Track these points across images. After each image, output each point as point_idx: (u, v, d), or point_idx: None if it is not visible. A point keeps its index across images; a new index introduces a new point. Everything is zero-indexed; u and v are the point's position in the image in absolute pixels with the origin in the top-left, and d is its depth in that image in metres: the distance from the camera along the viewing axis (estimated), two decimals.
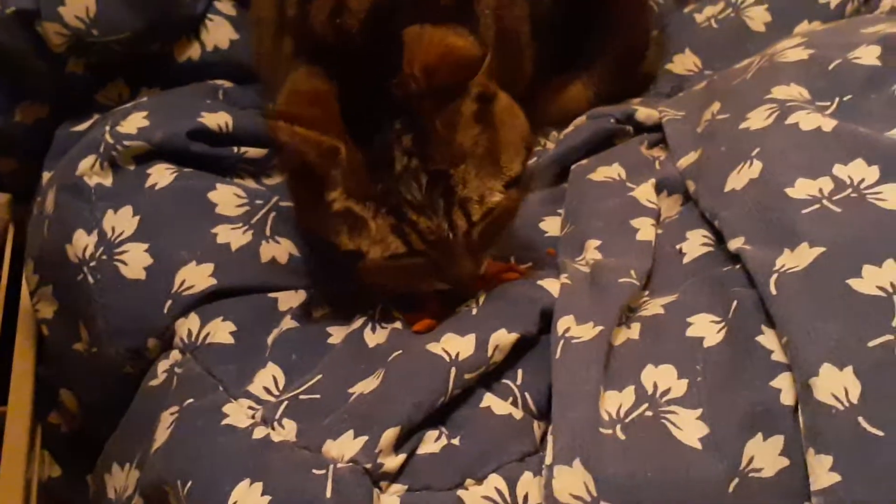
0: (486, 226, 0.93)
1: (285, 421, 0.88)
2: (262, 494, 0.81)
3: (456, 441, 0.86)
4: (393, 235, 0.91)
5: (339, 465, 0.83)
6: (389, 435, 0.83)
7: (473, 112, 0.91)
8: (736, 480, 0.78)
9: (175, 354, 0.98)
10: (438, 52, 0.91)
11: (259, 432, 0.87)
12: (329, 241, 0.95)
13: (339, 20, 0.96)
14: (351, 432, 0.85)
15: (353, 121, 0.91)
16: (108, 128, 1.11)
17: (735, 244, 0.93)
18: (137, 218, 1.05)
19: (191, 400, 0.92)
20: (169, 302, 1.00)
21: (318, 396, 0.90)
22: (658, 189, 1.08)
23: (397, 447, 0.84)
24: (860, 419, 0.76)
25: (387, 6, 0.96)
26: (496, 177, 0.93)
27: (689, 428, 0.82)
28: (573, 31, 1.24)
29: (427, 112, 0.90)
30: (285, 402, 0.90)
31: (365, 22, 0.95)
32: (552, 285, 0.97)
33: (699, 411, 0.83)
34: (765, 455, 0.79)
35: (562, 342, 0.89)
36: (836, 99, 1.02)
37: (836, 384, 0.78)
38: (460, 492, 0.83)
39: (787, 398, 0.80)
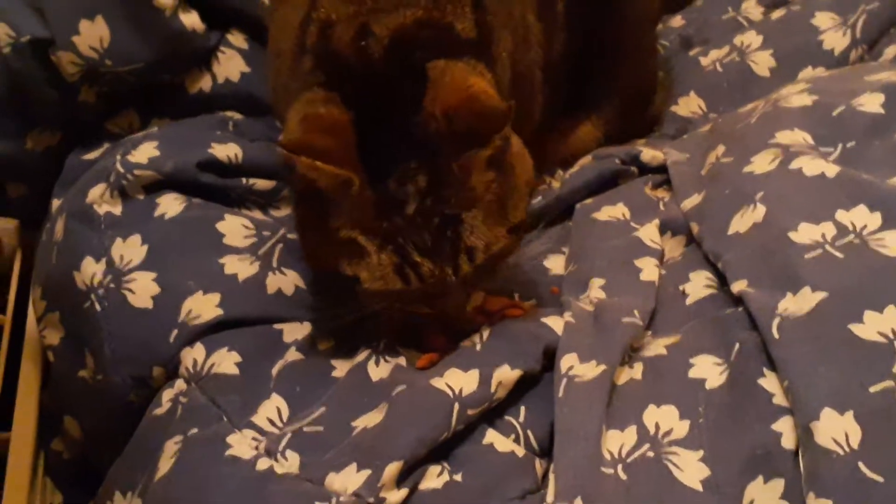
0: (484, 264, 0.93)
1: (288, 453, 0.88)
2: None
3: (458, 477, 0.86)
4: (393, 273, 0.91)
5: (341, 499, 0.83)
6: (392, 469, 0.83)
7: (488, 157, 0.91)
8: None
9: (180, 384, 0.99)
10: (462, 96, 0.91)
11: (262, 464, 0.87)
12: (331, 266, 0.94)
13: (364, 43, 0.94)
14: (354, 466, 0.85)
15: (368, 152, 0.90)
16: (118, 157, 1.11)
17: (738, 287, 0.94)
18: (146, 247, 1.05)
19: (195, 430, 0.92)
20: (175, 331, 1.01)
21: (321, 429, 0.90)
22: (662, 230, 1.09)
23: (400, 482, 0.84)
24: (860, 464, 0.76)
25: (409, 35, 0.95)
26: (502, 223, 0.93)
27: (691, 469, 0.82)
28: (581, 74, 1.25)
29: (445, 154, 0.90)
30: (289, 435, 0.90)
31: (388, 49, 0.94)
32: (556, 323, 0.97)
33: (700, 453, 0.83)
34: (765, 498, 0.79)
35: (565, 380, 0.90)
36: (840, 145, 1.03)
37: (836, 429, 0.78)
38: None
39: (788, 442, 0.81)
